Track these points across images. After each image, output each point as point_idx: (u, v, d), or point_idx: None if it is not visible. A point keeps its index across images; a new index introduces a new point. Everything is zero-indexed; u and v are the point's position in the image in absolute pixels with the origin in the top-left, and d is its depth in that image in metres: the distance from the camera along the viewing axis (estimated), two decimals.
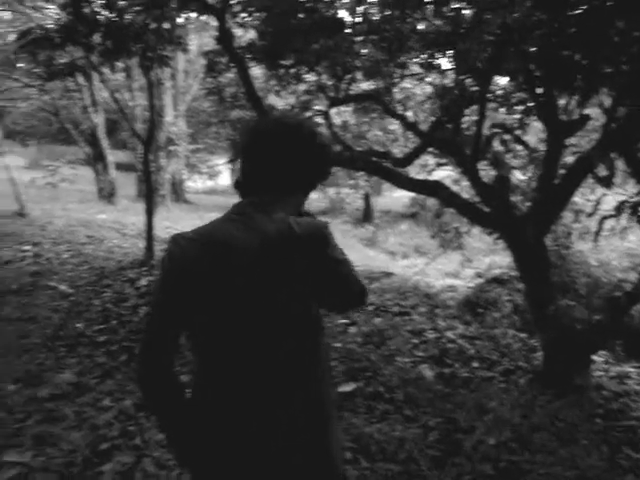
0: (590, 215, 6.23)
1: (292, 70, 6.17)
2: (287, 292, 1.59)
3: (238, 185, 1.78)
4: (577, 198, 7.58)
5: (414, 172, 10.79)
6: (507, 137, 6.03)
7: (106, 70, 10.15)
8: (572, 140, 5.97)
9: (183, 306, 1.58)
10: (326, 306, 1.79)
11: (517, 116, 5.61)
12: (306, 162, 1.74)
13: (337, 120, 9.64)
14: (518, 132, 6.04)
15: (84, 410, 4.01)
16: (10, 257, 8.68)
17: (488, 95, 5.14)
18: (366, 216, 24.21)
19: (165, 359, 1.60)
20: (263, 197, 1.69)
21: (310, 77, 6.63)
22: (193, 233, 1.65)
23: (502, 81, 5.94)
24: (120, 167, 22.19)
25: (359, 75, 6.08)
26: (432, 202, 12.61)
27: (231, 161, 10.95)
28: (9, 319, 5.92)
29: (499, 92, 5.71)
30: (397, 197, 24.20)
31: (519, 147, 6.71)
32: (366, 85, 7.00)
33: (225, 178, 34.69)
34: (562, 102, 4.91)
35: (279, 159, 1.70)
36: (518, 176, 7.47)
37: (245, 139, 1.76)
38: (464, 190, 8.78)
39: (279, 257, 1.57)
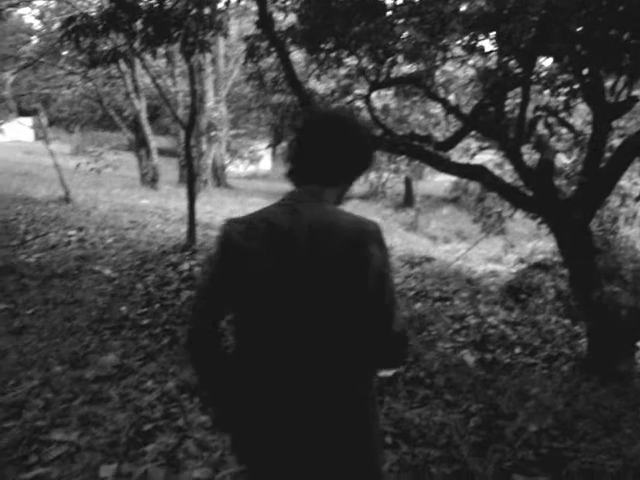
0: (637, 199, 6.11)
1: (332, 54, 6.15)
2: (319, 283, 1.64)
3: (290, 174, 1.85)
4: (624, 182, 7.43)
5: (456, 156, 10.69)
6: (551, 120, 5.93)
7: (148, 56, 10.26)
8: (619, 122, 5.84)
9: (228, 278, 1.73)
10: (359, 345, 1.71)
11: (562, 98, 5.48)
12: (352, 154, 1.81)
13: (378, 104, 9.58)
14: (563, 115, 5.93)
15: (128, 392, 4.09)
16: (56, 241, 8.87)
17: (532, 77, 5.05)
18: (407, 200, 24.08)
19: (210, 322, 1.75)
20: (312, 186, 1.77)
21: (351, 61, 6.59)
22: (245, 216, 1.78)
23: (547, 62, 5.82)
24: (162, 153, 22.50)
25: (400, 58, 6.02)
26: (474, 186, 12.49)
27: (272, 146, 11.00)
28: (55, 302, 6.06)
29: (543, 74, 5.58)
30: (439, 181, 23.98)
31: (564, 130, 6.59)
32: (407, 68, 6.94)
33: (266, 163, 34.82)
34: (609, 83, 4.79)
35: (328, 151, 1.77)
36: (562, 160, 7.34)
37: (297, 130, 1.84)
38: (507, 174, 8.68)
39: (317, 246, 1.64)
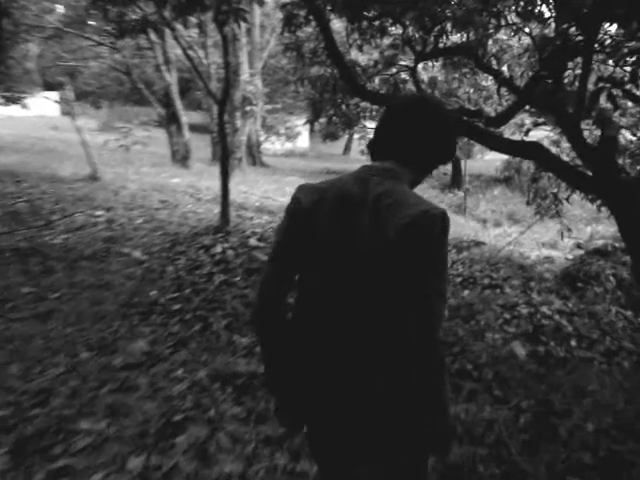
0: None
1: (376, 22, 6.08)
2: (374, 258, 1.72)
3: (370, 146, 1.96)
4: None
5: (509, 132, 10.54)
6: (615, 92, 5.77)
7: (179, 26, 10.30)
8: None
9: (296, 246, 1.86)
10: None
11: (628, 68, 5.33)
12: (435, 139, 1.90)
13: (424, 76, 9.48)
14: (629, 86, 5.77)
15: (157, 380, 4.15)
16: (83, 222, 9.01)
17: (594, 45, 4.93)
18: (455, 181, 23.89)
19: (279, 291, 1.89)
20: (389, 163, 1.86)
21: (395, 30, 6.51)
22: (316, 184, 1.89)
23: (611, 29, 5.67)
24: (194, 129, 22.63)
25: (449, 26, 5.92)
26: (528, 165, 12.31)
27: (310, 122, 10.96)
28: (82, 286, 6.16)
29: (607, 42, 5.44)
30: (489, 160, 23.73)
31: (629, 104, 6.42)
32: (457, 37, 6.83)
33: (304, 140, 34.84)
34: None
35: (412, 131, 1.87)
36: (627, 136, 7.17)
37: (387, 108, 1.96)
38: (564, 152, 8.53)
39: (379, 221, 1.71)
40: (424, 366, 1.71)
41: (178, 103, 19.18)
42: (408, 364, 1.74)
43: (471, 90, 10.34)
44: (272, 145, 30.35)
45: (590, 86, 5.13)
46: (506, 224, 17.76)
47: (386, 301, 1.73)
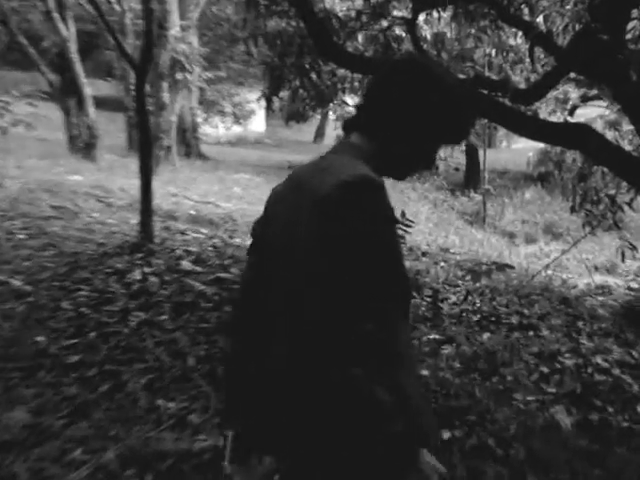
0: None
1: None
2: (281, 256, 1.99)
3: (345, 121, 2.17)
4: None
5: (546, 111, 10.62)
6: None
7: None
8: None
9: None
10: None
11: None
12: (420, 111, 2.03)
13: (427, 32, 9.53)
14: None
15: (43, 466, 4.07)
16: None
17: None
18: (470, 179, 24.04)
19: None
20: (352, 136, 2.09)
21: None
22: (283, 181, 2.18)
23: None
24: (102, 104, 22.57)
25: None
26: (573, 157, 12.42)
27: (267, 97, 10.87)
28: None
29: None
30: (518, 150, 23.96)
31: None
32: None
33: (259, 122, 34.91)
34: None
35: (386, 96, 2.05)
36: None
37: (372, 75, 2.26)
38: (625, 138, 8.61)
39: (291, 209, 1.98)
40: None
41: (78, 67, 19.01)
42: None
43: (493, 52, 10.41)
44: (214, 129, 30.35)
45: None
46: (542, 240, 17.90)
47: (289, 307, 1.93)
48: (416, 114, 2.01)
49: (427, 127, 2.04)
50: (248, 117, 31.42)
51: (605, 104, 8.57)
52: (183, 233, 10.49)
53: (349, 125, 2.13)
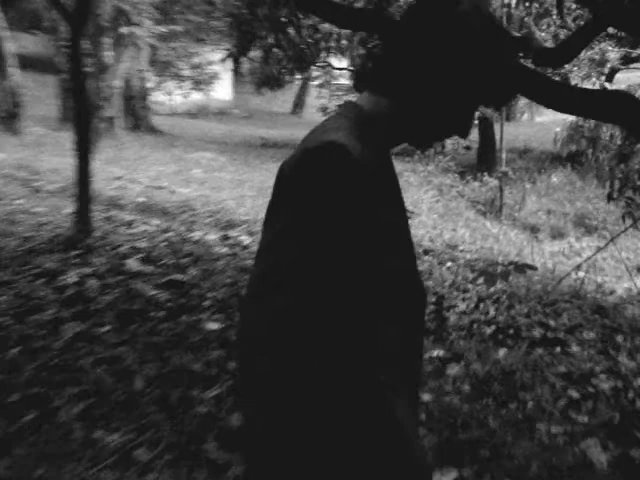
0: None
1: None
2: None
3: (356, 79, 2.19)
4: None
5: (579, 76, 10.63)
6: None
7: None
8: None
9: None
10: None
11: None
12: (457, 60, 1.97)
13: None
14: None
15: None
16: None
17: None
18: (484, 159, 24.06)
19: None
20: (362, 96, 2.08)
21: None
22: None
23: None
24: (29, 64, 22.47)
25: None
26: (611, 132, 12.43)
27: (234, 56, 10.82)
28: None
29: None
30: (542, 124, 23.96)
31: None
32: None
33: (224, 89, 34.83)
34: None
35: (405, 42, 2.02)
36: None
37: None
38: None
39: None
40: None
41: None
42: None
43: (513, 1, 10.42)
44: (169, 97, 30.29)
45: None
46: (572, 234, 17.87)
47: None
48: (443, 62, 1.96)
49: (457, 79, 1.98)
50: (211, 83, 31.43)
51: None
52: (130, 225, 10.46)
53: (360, 82, 2.13)
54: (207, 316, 7.04)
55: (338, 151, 1.76)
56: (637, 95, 6.40)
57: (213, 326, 6.79)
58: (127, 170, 15.64)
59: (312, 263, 1.78)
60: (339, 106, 2.11)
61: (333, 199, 1.76)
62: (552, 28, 9.43)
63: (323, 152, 1.77)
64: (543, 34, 9.22)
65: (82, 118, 9.03)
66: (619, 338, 7.68)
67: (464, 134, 2.08)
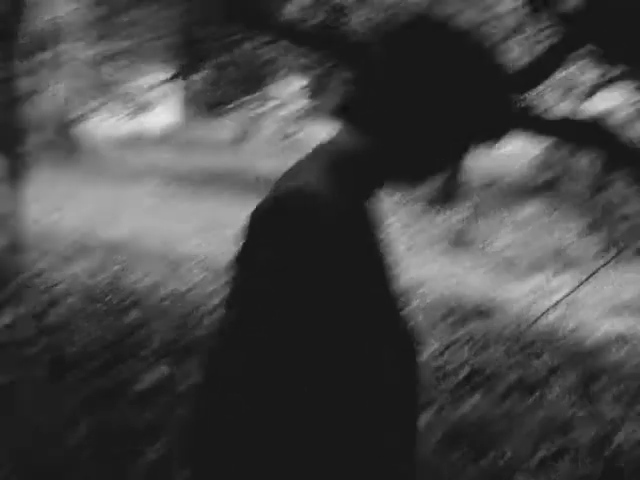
0: None
1: None
2: None
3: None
4: None
5: (552, 98, 10.68)
6: None
7: None
8: None
9: None
10: None
11: None
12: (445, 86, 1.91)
13: None
14: None
15: None
16: None
17: None
18: (449, 190, 24.26)
19: None
20: (336, 132, 2.05)
21: None
22: None
23: None
24: None
25: None
26: (588, 158, 12.54)
27: (182, 75, 10.83)
28: None
29: None
30: (514, 151, 24.19)
31: None
32: None
33: (169, 111, 34.96)
34: None
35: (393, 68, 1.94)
36: None
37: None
38: None
39: None
40: None
41: None
42: None
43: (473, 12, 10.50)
44: (104, 123, 30.30)
45: None
46: (549, 269, 17.97)
47: None
48: (434, 87, 1.88)
49: (446, 106, 1.90)
50: (150, 106, 31.49)
51: (633, 86, 8.63)
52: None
53: (336, 113, 2.03)
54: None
55: (308, 201, 1.72)
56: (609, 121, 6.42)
57: None
58: (54, 206, 15.68)
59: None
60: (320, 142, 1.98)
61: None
62: (522, 40, 9.50)
63: (292, 201, 1.73)
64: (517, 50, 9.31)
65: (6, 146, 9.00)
66: (597, 385, 7.73)
67: (455, 168, 2.07)
